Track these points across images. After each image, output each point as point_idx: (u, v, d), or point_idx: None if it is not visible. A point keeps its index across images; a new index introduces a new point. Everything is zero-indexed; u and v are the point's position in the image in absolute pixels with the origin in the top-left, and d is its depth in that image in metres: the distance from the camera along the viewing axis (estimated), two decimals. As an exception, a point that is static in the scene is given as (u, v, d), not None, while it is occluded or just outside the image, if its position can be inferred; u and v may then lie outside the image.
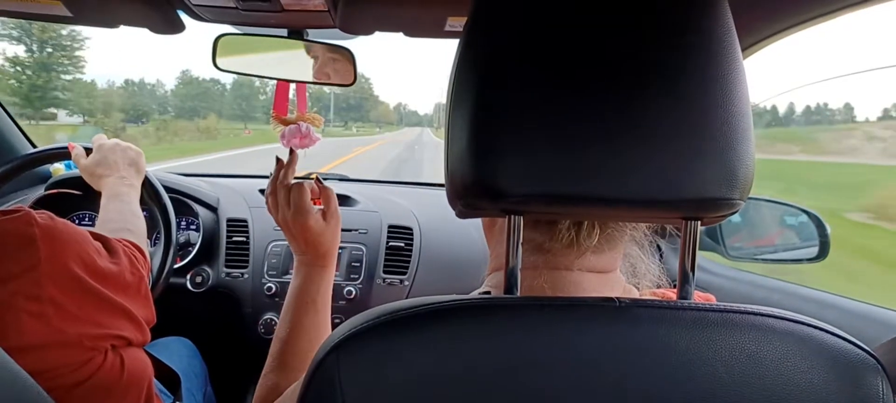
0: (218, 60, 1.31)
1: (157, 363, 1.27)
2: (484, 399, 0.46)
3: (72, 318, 0.81)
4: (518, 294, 0.54)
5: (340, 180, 2.24)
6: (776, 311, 0.51)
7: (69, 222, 0.87)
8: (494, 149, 0.48)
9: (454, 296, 0.51)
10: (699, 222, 0.53)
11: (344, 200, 1.97)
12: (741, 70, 0.50)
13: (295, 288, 0.98)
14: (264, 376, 0.93)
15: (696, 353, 0.48)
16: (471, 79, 0.50)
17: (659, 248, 0.70)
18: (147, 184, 1.41)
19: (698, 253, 0.55)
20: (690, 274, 0.54)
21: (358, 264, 1.77)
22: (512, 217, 0.52)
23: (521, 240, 0.53)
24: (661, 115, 0.48)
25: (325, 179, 2.21)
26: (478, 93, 0.49)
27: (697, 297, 0.69)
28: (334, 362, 0.47)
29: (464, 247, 1.80)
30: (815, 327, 0.51)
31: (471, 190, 0.50)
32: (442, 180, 0.56)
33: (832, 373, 0.49)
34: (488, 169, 0.48)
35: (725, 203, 0.49)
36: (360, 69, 1.25)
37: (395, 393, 0.46)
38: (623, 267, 0.66)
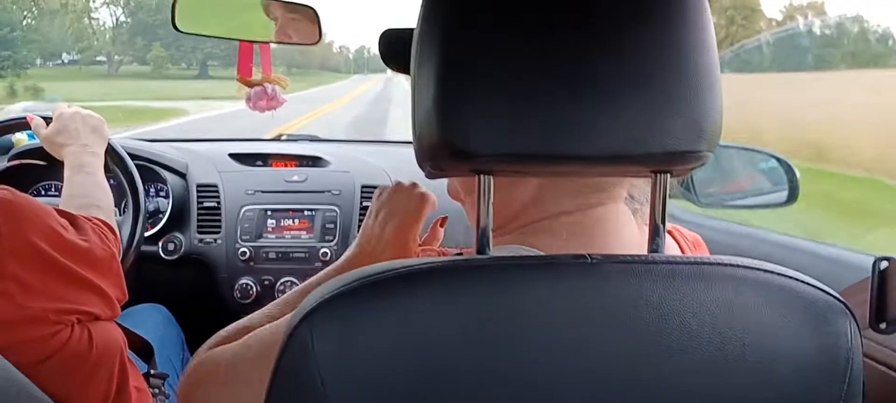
0: (177, 22, 1.27)
1: (129, 333, 1.25)
2: (455, 359, 0.47)
3: (36, 294, 0.80)
4: (490, 253, 0.53)
5: (311, 140, 2.21)
6: (748, 261, 0.52)
7: (31, 197, 0.84)
8: (461, 109, 0.47)
9: (423, 259, 0.51)
10: (669, 175, 0.53)
11: (315, 161, 1.95)
12: (707, 19, 0.49)
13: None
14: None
15: (667, 306, 0.48)
16: (434, 37, 0.49)
17: None
18: (111, 151, 1.37)
19: (669, 202, 0.55)
20: (661, 227, 0.54)
21: (332, 225, 1.76)
22: (482, 177, 0.52)
23: (491, 200, 0.52)
24: (626, 70, 0.47)
25: (294, 140, 2.18)
26: (442, 51, 0.48)
27: (686, 238, 0.69)
28: (307, 330, 0.47)
29: (438, 205, 1.79)
30: (788, 276, 0.51)
31: (438, 151, 0.50)
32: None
33: (803, 319, 0.50)
34: (455, 129, 0.48)
35: (693, 156, 0.49)
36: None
37: (368, 358, 0.46)
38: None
